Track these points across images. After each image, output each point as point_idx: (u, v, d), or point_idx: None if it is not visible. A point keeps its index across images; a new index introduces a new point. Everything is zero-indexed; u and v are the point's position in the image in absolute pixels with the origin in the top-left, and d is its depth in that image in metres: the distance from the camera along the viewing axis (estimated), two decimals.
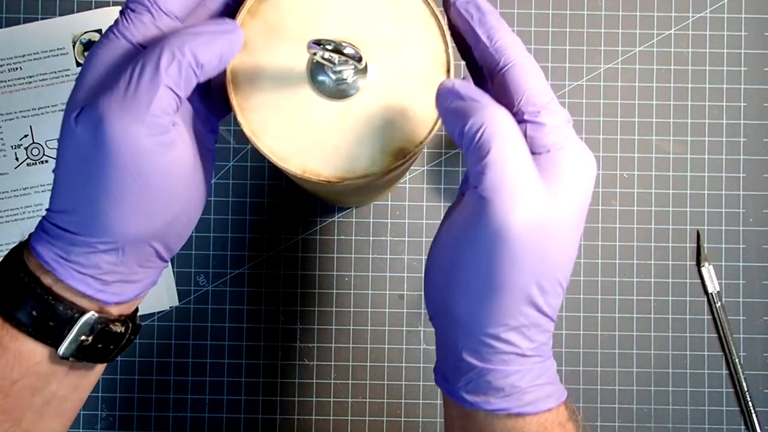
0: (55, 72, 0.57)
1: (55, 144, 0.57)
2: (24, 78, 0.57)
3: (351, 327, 0.57)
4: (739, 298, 0.57)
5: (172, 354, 0.57)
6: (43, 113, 0.57)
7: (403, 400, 0.57)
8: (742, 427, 0.57)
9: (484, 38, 0.34)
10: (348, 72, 0.35)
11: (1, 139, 0.57)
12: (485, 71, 0.35)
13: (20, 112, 0.57)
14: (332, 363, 0.57)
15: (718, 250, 0.58)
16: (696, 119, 0.58)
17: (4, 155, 0.57)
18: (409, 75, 0.36)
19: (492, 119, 0.31)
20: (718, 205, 0.58)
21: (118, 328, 0.35)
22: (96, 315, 0.34)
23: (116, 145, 0.31)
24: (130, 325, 0.36)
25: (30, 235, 0.35)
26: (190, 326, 0.57)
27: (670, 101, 0.58)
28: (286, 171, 0.36)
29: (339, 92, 0.36)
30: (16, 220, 0.57)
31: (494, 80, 0.34)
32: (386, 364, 0.57)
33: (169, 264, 0.56)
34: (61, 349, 0.33)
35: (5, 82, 0.57)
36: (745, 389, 0.56)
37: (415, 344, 0.57)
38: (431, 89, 0.35)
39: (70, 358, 0.34)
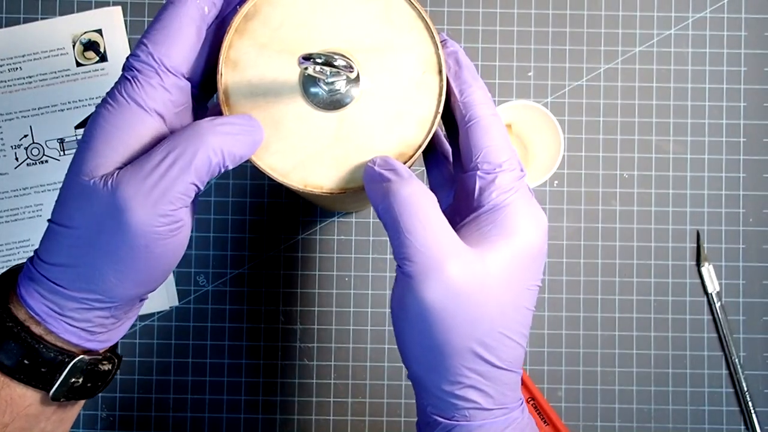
0: (55, 72, 0.57)
1: (55, 144, 0.57)
2: (24, 78, 0.57)
3: (351, 327, 0.57)
4: (739, 298, 0.57)
5: (172, 354, 0.57)
6: (43, 113, 0.57)
7: (403, 400, 0.57)
8: (742, 427, 0.57)
9: (456, 91, 0.36)
10: (341, 82, 0.35)
11: (1, 139, 0.57)
12: (457, 120, 0.37)
13: (20, 112, 0.57)
14: (332, 363, 0.57)
15: (718, 250, 0.58)
16: (696, 119, 0.58)
17: (4, 155, 0.57)
18: (402, 79, 0.36)
19: (398, 201, 0.33)
20: (718, 205, 0.58)
21: (106, 366, 0.36)
22: (86, 358, 0.35)
23: (135, 232, 0.32)
24: (116, 360, 0.37)
25: (8, 272, 0.35)
26: (190, 326, 0.57)
27: (670, 101, 0.58)
28: (288, 186, 0.36)
29: (333, 103, 0.35)
30: (16, 220, 0.57)
31: (461, 131, 0.36)
32: (386, 364, 0.57)
33: None
34: (52, 392, 0.34)
35: (5, 82, 0.57)
36: (745, 389, 0.56)
37: None
38: (425, 92, 0.35)
39: (61, 399, 0.35)
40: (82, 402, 0.38)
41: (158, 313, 0.57)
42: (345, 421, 0.57)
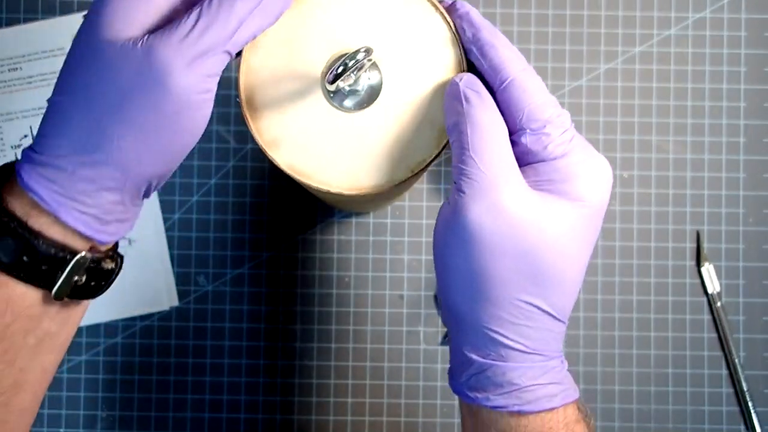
0: (56, 72, 0.57)
1: None
2: (24, 78, 0.57)
3: (351, 327, 0.57)
4: (738, 298, 0.57)
5: (171, 354, 0.57)
6: (43, 113, 0.57)
7: (403, 400, 0.57)
8: (742, 427, 0.57)
9: (478, 55, 0.34)
10: (363, 79, 0.35)
11: (1, 139, 0.57)
12: (491, 86, 0.35)
13: (20, 112, 0.57)
14: (332, 363, 0.57)
15: (718, 250, 0.58)
16: (696, 119, 0.58)
17: (4, 155, 0.57)
18: (424, 80, 0.35)
19: (472, 122, 0.32)
20: (717, 206, 0.58)
21: (109, 265, 0.35)
22: (88, 255, 0.33)
23: (170, 96, 0.30)
24: (119, 259, 0.36)
25: (9, 166, 0.33)
26: (189, 326, 0.57)
27: (669, 101, 0.58)
28: (321, 190, 0.35)
29: (357, 103, 0.35)
30: None
31: (497, 96, 0.35)
32: (386, 364, 0.57)
33: (170, 264, 0.56)
34: (55, 291, 0.33)
35: (5, 82, 0.57)
36: (745, 389, 0.56)
37: (415, 344, 0.57)
38: (445, 60, 0.35)
39: (64, 298, 0.33)
40: (87, 303, 0.36)
41: (158, 313, 0.57)
42: (345, 421, 0.57)
